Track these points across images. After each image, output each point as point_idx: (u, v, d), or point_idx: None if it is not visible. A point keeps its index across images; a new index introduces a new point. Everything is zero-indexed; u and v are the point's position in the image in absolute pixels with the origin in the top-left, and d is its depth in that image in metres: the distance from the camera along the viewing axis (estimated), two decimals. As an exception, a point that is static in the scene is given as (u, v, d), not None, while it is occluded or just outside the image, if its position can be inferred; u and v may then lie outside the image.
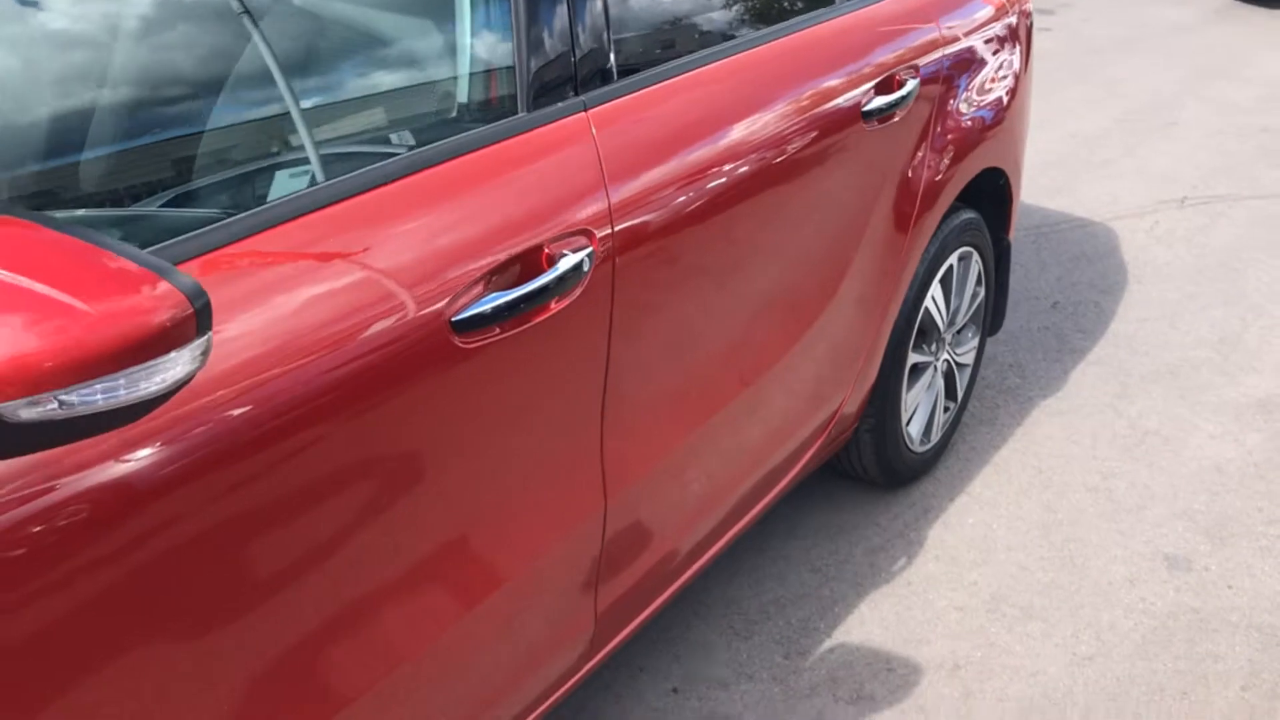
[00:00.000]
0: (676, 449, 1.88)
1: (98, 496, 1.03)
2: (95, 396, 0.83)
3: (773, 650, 2.35)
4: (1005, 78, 2.74)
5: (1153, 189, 5.07)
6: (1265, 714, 2.19)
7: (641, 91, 1.70)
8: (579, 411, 1.63)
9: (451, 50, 1.53)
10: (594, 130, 1.59)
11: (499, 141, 1.48)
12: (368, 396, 1.28)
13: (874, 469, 2.72)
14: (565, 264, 1.49)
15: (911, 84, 2.27)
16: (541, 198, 1.49)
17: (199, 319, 0.87)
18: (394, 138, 1.45)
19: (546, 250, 1.49)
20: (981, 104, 2.61)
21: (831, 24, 2.14)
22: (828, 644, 2.37)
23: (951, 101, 2.47)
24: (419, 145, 1.42)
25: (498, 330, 1.43)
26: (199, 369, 0.89)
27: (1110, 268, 4.25)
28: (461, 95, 1.53)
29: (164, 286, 0.85)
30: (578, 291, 1.53)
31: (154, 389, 0.86)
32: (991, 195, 2.86)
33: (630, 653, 2.34)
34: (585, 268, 1.52)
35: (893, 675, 2.29)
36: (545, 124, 1.55)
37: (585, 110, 1.60)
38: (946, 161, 2.46)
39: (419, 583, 1.44)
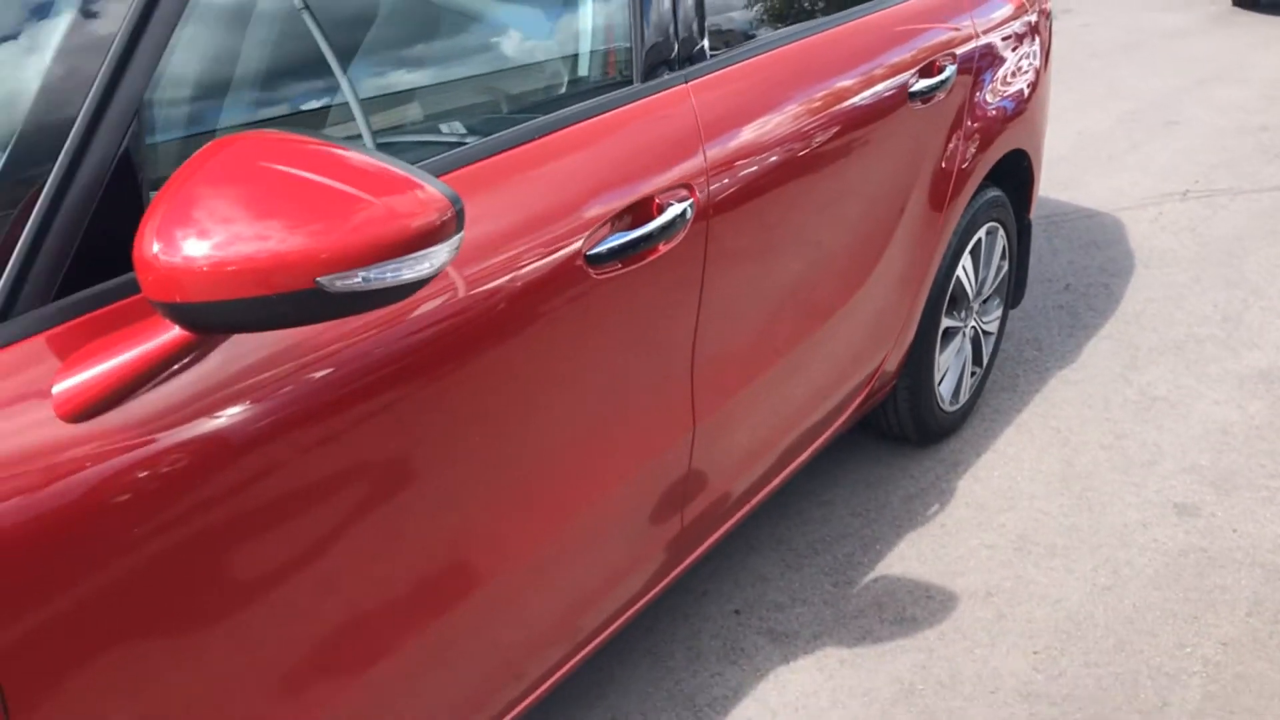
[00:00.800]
0: (749, 385, 2.15)
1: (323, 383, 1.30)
2: (385, 274, 1.10)
3: (822, 580, 2.62)
4: (1028, 69, 3.02)
5: (1156, 183, 5.36)
6: (1268, 636, 2.46)
7: (729, 68, 1.98)
8: (676, 341, 1.90)
9: (579, 34, 1.80)
10: (693, 100, 1.87)
11: (619, 107, 1.76)
12: (526, 310, 1.55)
13: (909, 425, 2.99)
14: (672, 212, 1.77)
15: (950, 69, 2.55)
16: (652, 156, 1.77)
17: (458, 220, 1.14)
18: (538, 103, 1.72)
19: (656, 200, 1.76)
20: (1008, 91, 2.89)
21: (883, 13, 2.42)
22: (871, 575, 2.64)
23: (982, 88, 2.75)
24: (558, 110, 1.70)
25: (620, 266, 1.70)
26: (451, 260, 1.15)
27: (1118, 254, 4.54)
28: (588, 70, 1.81)
29: (433, 191, 1.12)
30: (680, 236, 1.81)
31: (423, 272, 1.12)
32: (1015, 176, 3.14)
33: (693, 578, 2.60)
34: (687, 216, 1.80)
35: (931, 601, 2.56)
36: (654, 94, 1.82)
37: (686, 83, 1.88)
38: (978, 141, 2.74)
39: (548, 484, 1.71)
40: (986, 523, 2.83)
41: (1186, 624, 2.49)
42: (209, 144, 1.11)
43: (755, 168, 1.95)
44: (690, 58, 1.91)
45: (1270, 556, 2.71)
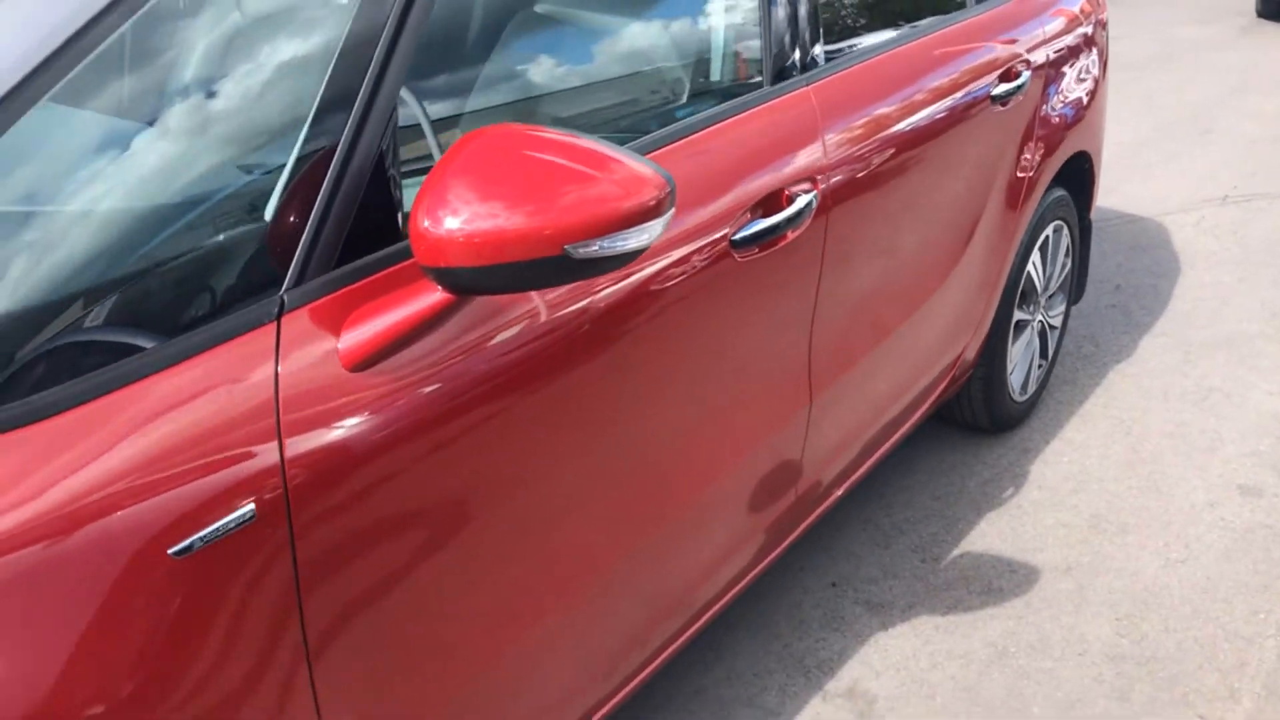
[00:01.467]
0: (856, 366, 2.34)
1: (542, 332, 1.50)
2: (615, 244, 1.29)
3: (910, 556, 2.81)
4: (1089, 76, 3.22)
5: (1195, 189, 5.54)
6: (1334, 603, 2.63)
7: (840, 72, 2.18)
8: (799, 321, 2.09)
9: (717, 43, 2.01)
10: (814, 100, 2.07)
11: (753, 108, 1.96)
12: (684, 289, 1.75)
13: (982, 414, 3.17)
14: (799, 203, 1.96)
15: (1025, 75, 2.75)
16: (783, 152, 1.97)
17: (671, 197, 1.33)
18: (685, 105, 1.93)
19: (786, 192, 1.96)
20: (1072, 96, 3.09)
21: (966, 23, 2.62)
22: (956, 551, 2.82)
23: (1051, 93, 2.95)
24: (704, 110, 1.90)
25: (757, 250, 1.90)
26: (663, 232, 1.35)
27: (1164, 256, 4.72)
28: (726, 75, 2.01)
29: (653, 172, 1.32)
30: (805, 225, 2.00)
31: (644, 242, 1.32)
32: (1078, 177, 3.33)
33: (788, 555, 2.79)
34: (811, 206, 1.99)
35: (1015, 574, 2.74)
36: (781, 96, 2.02)
37: (808, 85, 2.08)
38: (1047, 144, 2.94)
39: (683, 459, 1.90)
40: (1060, 504, 3.01)
41: (1258, 593, 2.66)
42: (463, 136, 1.30)
43: (866, 163, 2.15)
44: (809, 63, 2.11)
45: (1333, 532, 2.88)
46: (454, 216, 1.24)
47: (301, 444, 1.25)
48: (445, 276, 1.27)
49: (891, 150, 2.23)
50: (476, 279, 1.26)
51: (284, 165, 1.33)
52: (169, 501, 1.14)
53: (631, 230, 1.29)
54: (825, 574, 2.73)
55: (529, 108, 1.69)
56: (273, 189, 1.32)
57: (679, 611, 2.07)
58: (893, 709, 2.33)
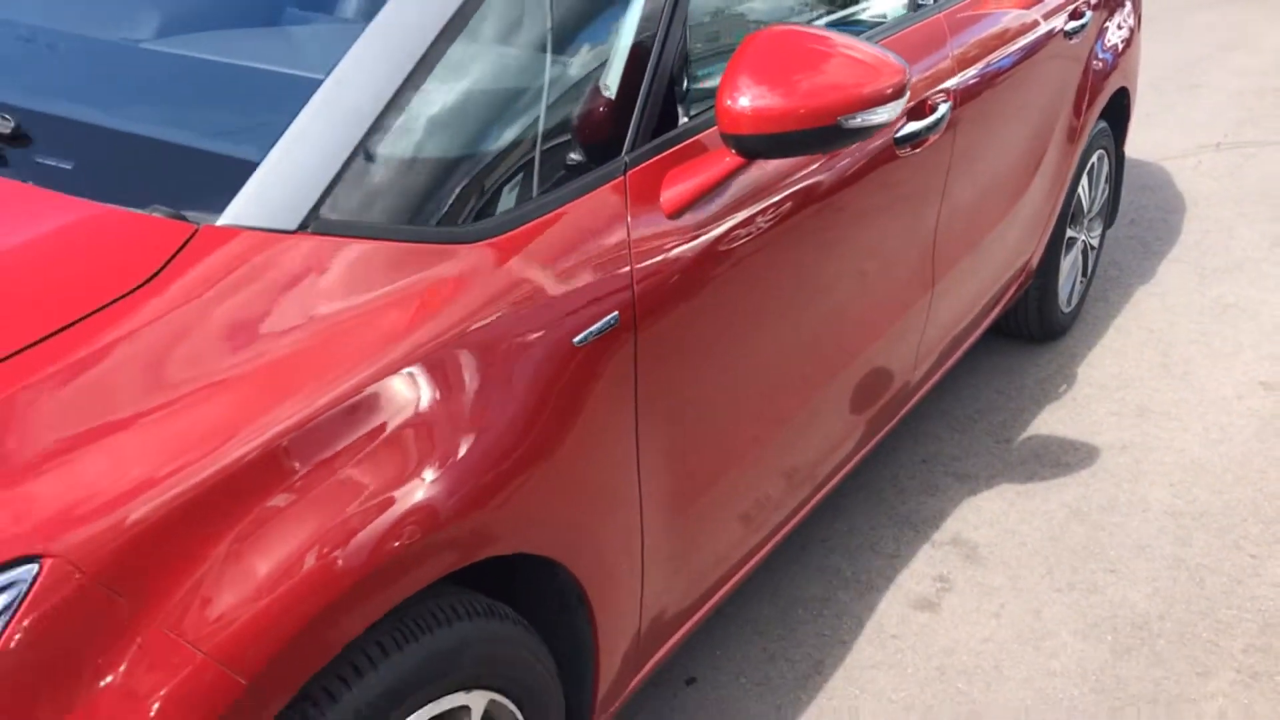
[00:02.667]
0: (963, 260, 2.77)
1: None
2: (871, 118, 1.69)
3: (985, 439, 3.24)
4: (1129, 18, 3.66)
5: (1191, 136, 6.03)
6: (1352, 472, 3.10)
7: (963, 3, 2.59)
8: (930, 215, 2.51)
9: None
10: (945, 26, 2.48)
11: (903, 29, 2.36)
12: (865, 176, 2.16)
13: (1035, 322, 3.61)
14: (940, 111, 2.37)
15: (1089, 14, 3.18)
16: (926, 68, 2.38)
17: (908, 83, 1.74)
18: (865, 24, 2.33)
19: (928, 101, 2.37)
20: (1119, 38, 3.52)
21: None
22: (1024, 435, 3.27)
23: (1104, 33, 3.38)
24: (875, 28, 2.30)
25: (909, 149, 2.31)
26: (900, 111, 1.75)
27: (1170, 195, 5.19)
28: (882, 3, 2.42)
29: (896, 61, 1.72)
30: (941, 130, 2.41)
31: (887, 118, 1.72)
32: (1117, 112, 3.77)
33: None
34: (946, 116, 2.41)
35: (1079, 452, 3.19)
36: (921, 21, 2.43)
37: (939, 13, 2.49)
38: (1101, 77, 3.37)
39: (840, 330, 2.29)
40: (1108, 397, 3.46)
41: (1288, 464, 3.13)
42: (748, 35, 1.70)
43: (983, 80, 2.57)
44: (941, -5, 2.52)
45: (1346, 417, 3.36)
46: (747, 97, 1.63)
47: (643, 268, 1.65)
48: (741, 143, 1.66)
49: (1000, 71, 2.65)
50: (766, 145, 1.65)
51: (618, 66, 1.72)
52: (572, 304, 1.53)
53: (881, 108, 1.70)
54: (915, 452, 3.16)
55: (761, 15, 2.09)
56: (614, 83, 1.71)
57: (804, 484, 2.44)
58: (992, 553, 2.76)
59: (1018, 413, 3.38)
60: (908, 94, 1.73)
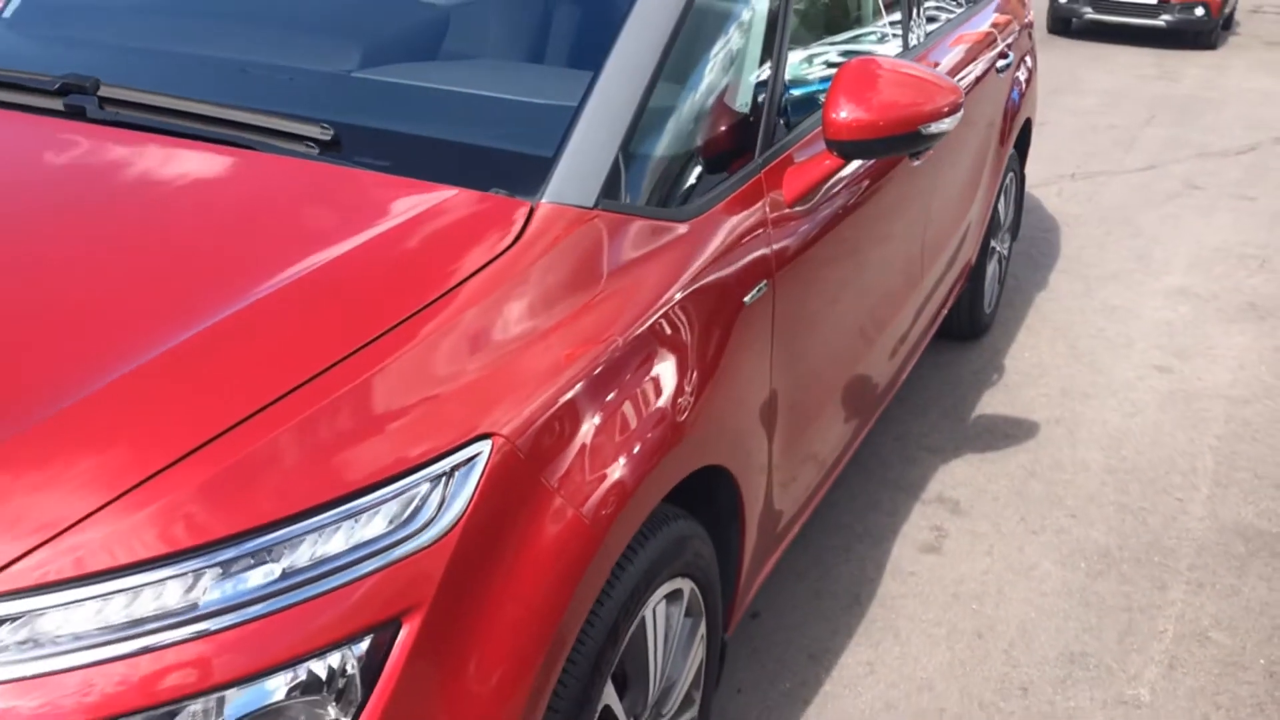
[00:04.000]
0: (940, 253, 3.32)
1: None
2: (939, 127, 2.20)
3: (942, 420, 3.79)
4: (1030, 57, 4.33)
5: (1047, 167, 6.85)
6: (1246, 432, 3.77)
7: (940, 40, 3.15)
8: (923, 215, 3.05)
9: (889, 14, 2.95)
10: (930, 59, 3.04)
11: (917, 55, 2.90)
12: (894, 176, 2.68)
13: (966, 322, 4.21)
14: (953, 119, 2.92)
15: (1011, 54, 3.81)
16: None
17: (963, 102, 2.25)
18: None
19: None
20: (1024, 75, 4.18)
21: (985, 13, 3.66)
22: (974, 415, 3.83)
23: (1016, 70, 4.03)
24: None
25: (914, 159, 2.84)
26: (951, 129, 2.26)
27: (1043, 217, 5.94)
28: (891, 37, 2.95)
29: (954, 84, 2.23)
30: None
31: (949, 128, 2.22)
32: (1022, 139, 4.43)
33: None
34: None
35: (1022, 426, 3.76)
36: (925, 50, 2.97)
37: (926, 49, 3.04)
38: (1017, 107, 4.01)
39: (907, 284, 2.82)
40: (1034, 383, 4.07)
41: (1190, 429, 3.79)
42: (846, 63, 2.18)
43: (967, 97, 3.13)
44: (927, 36, 3.07)
45: (1228, 389, 4.06)
46: (845, 112, 2.12)
47: (778, 245, 2.10)
48: (842, 148, 2.14)
49: (970, 93, 3.23)
50: (862, 149, 2.14)
51: (746, 90, 2.18)
52: (741, 273, 1.97)
53: (948, 119, 2.21)
54: (888, 433, 3.68)
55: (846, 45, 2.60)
56: (749, 98, 2.16)
57: (882, 395, 3.05)
58: (973, 507, 3.29)
59: (963, 397, 3.95)
60: (962, 110, 2.24)
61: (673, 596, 1.88)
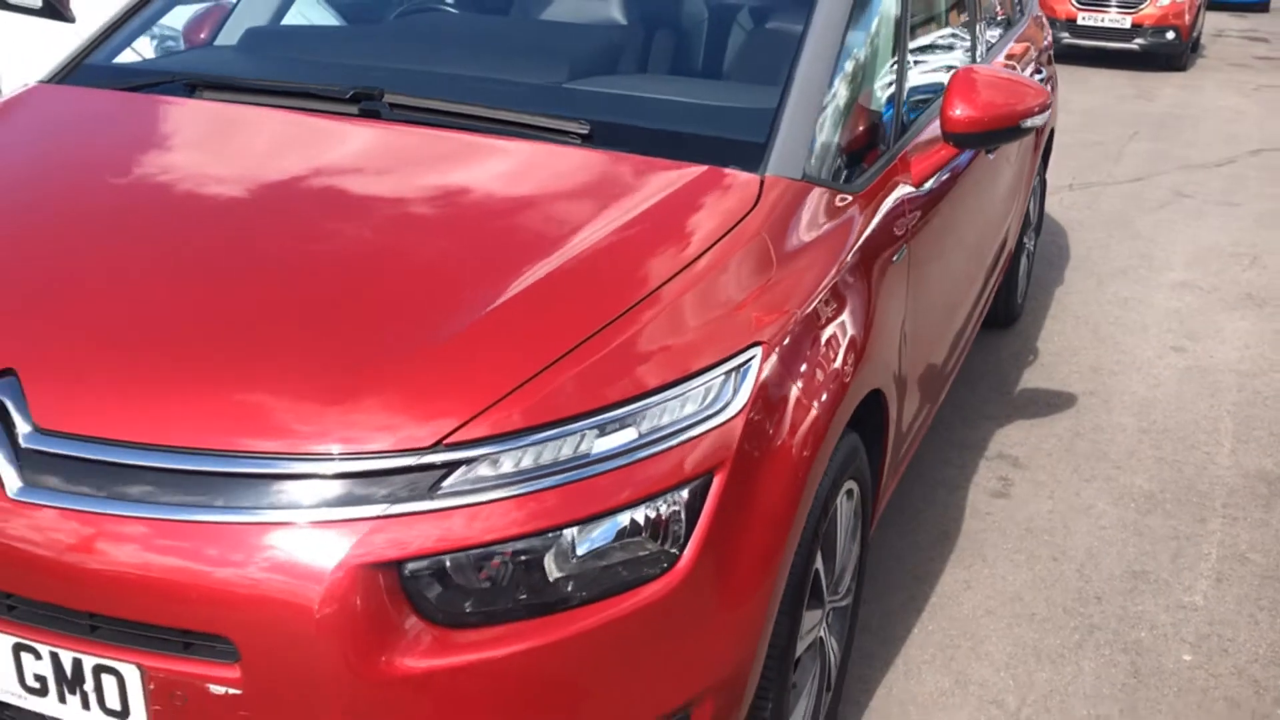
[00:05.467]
0: (1004, 230, 3.85)
1: None
2: (1034, 122, 2.72)
3: (991, 393, 4.31)
4: (1052, 71, 4.90)
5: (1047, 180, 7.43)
6: (1254, 404, 4.31)
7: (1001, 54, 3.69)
8: (994, 201, 3.57)
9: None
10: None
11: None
12: (980, 164, 3.20)
13: (1003, 310, 4.74)
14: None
15: (1044, 69, 4.37)
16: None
17: (1052, 101, 2.77)
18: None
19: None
20: (1050, 89, 4.74)
21: (1021, 39, 4.21)
22: (1019, 389, 4.35)
23: (1048, 81, 4.59)
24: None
25: (989, 154, 3.37)
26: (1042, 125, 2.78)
27: (1050, 224, 6.50)
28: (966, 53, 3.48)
29: (1044, 87, 2.76)
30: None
31: (1040, 123, 2.74)
32: (1045, 148, 4.99)
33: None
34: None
35: (1061, 396, 4.29)
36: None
37: (996, 59, 3.58)
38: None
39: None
40: (1066, 362, 4.60)
41: (1209, 397, 4.33)
42: (956, 71, 2.70)
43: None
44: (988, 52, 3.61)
45: (1238, 365, 4.61)
46: (957, 110, 2.63)
47: (912, 215, 2.61)
48: (958, 139, 2.66)
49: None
50: (975, 140, 2.66)
51: (881, 91, 2.69)
52: (890, 239, 2.47)
53: (1040, 115, 2.73)
54: (946, 405, 4.19)
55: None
56: (885, 101, 2.68)
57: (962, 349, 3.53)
58: (1031, 461, 3.80)
59: (1007, 375, 4.47)
60: (1051, 109, 2.77)
61: (848, 494, 2.37)
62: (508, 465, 1.68)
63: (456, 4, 3.29)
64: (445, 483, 1.65)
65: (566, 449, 1.71)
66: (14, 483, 1.69)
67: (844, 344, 2.17)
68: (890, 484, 2.81)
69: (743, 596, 1.87)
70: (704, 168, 2.19)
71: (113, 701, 1.70)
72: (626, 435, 1.75)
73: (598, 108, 2.40)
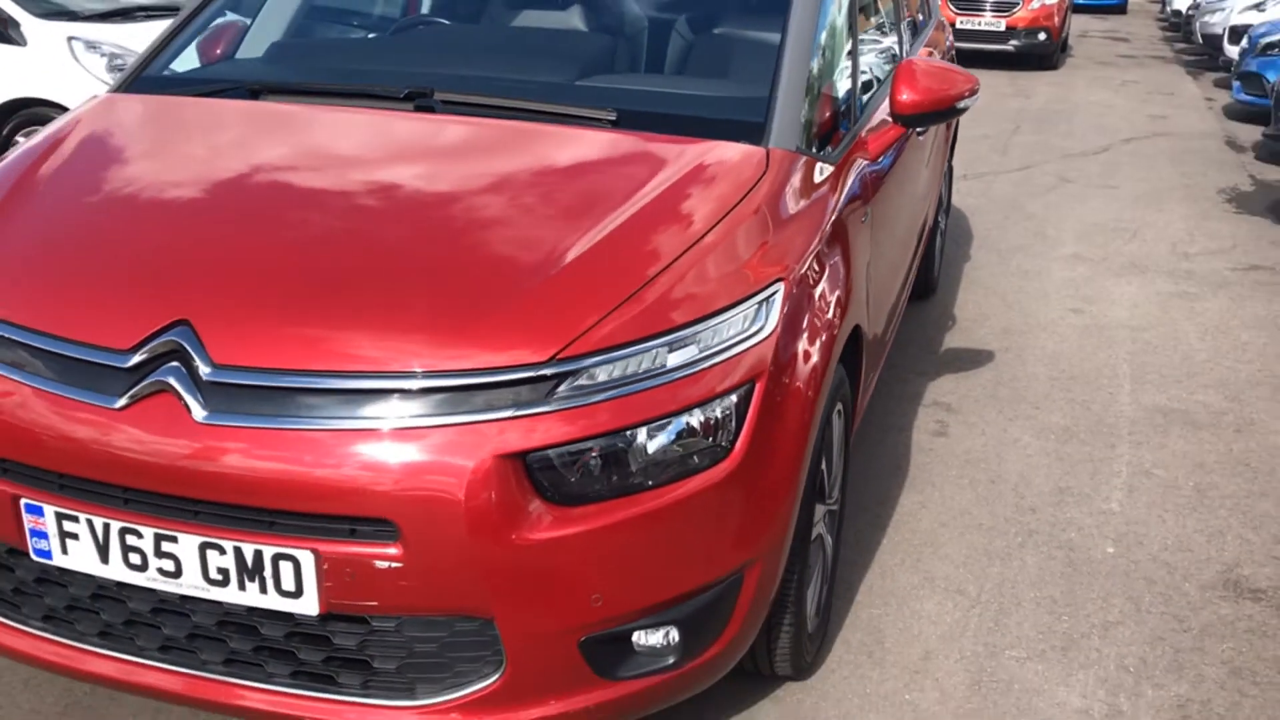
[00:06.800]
0: (929, 207, 4.39)
1: None
2: (965, 105, 3.25)
3: (920, 352, 4.86)
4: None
5: (946, 170, 8.09)
6: (1146, 353, 4.94)
7: (921, 46, 4.25)
8: (924, 176, 4.12)
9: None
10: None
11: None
12: (913, 141, 3.74)
13: (922, 282, 5.29)
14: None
15: (952, 52, 4.95)
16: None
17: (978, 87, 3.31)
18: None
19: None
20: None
21: (930, 40, 4.78)
22: (943, 348, 4.91)
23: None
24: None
25: (919, 133, 3.91)
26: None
27: (952, 211, 7.13)
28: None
29: (971, 74, 3.29)
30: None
31: (971, 104, 3.28)
32: (953, 134, 5.58)
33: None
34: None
35: (982, 352, 4.86)
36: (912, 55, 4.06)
37: (919, 49, 4.14)
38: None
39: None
40: (981, 325, 5.19)
41: (1107, 349, 4.95)
42: (901, 62, 3.23)
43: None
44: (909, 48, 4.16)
45: (1128, 322, 5.26)
46: (907, 94, 3.16)
47: (869, 184, 3.12)
48: (905, 120, 3.18)
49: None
50: (918, 120, 3.19)
51: (845, 79, 3.20)
52: (858, 202, 2.97)
53: (971, 98, 3.26)
54: (885, 365, 4.74)
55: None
56: (845, 90, 3.18)
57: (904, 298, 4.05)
58: (962, 406, 4.35)
59: (932, 337, 5.04)
60: (977, 94, 3.30)
61: (839, 414, 2.86)
62: (602, 375, 2.13)
63: (448, 18, 3.72)
64: (558, 390, 2.09)
65: (646, 362, 2.16)
66: (200, 411, 2.08)
67: (839, 283, 2.67)
68: (860, 413, 3.31)
69: (777, 485, 2.34)
70: (719, 142, 2.67)
71: (288, 584, 2.10)
72: (690, 352, 2.21)
73: (619, 99, 2.84)
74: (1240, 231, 6.89)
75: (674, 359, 2.19)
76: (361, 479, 2.04)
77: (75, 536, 2.18)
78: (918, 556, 3.35)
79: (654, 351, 2.17)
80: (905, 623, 3.04)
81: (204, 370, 2.10)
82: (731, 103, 2.89)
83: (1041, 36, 13.06)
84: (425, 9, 4.02)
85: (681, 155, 2.62)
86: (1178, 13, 17.19)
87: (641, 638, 2.23)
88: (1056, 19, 13.16)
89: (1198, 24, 14.16)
